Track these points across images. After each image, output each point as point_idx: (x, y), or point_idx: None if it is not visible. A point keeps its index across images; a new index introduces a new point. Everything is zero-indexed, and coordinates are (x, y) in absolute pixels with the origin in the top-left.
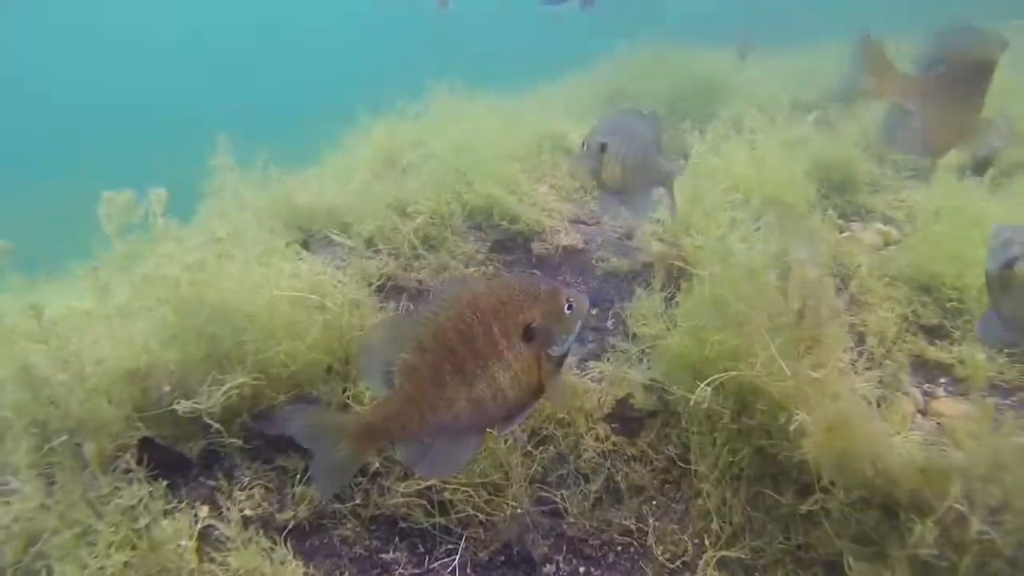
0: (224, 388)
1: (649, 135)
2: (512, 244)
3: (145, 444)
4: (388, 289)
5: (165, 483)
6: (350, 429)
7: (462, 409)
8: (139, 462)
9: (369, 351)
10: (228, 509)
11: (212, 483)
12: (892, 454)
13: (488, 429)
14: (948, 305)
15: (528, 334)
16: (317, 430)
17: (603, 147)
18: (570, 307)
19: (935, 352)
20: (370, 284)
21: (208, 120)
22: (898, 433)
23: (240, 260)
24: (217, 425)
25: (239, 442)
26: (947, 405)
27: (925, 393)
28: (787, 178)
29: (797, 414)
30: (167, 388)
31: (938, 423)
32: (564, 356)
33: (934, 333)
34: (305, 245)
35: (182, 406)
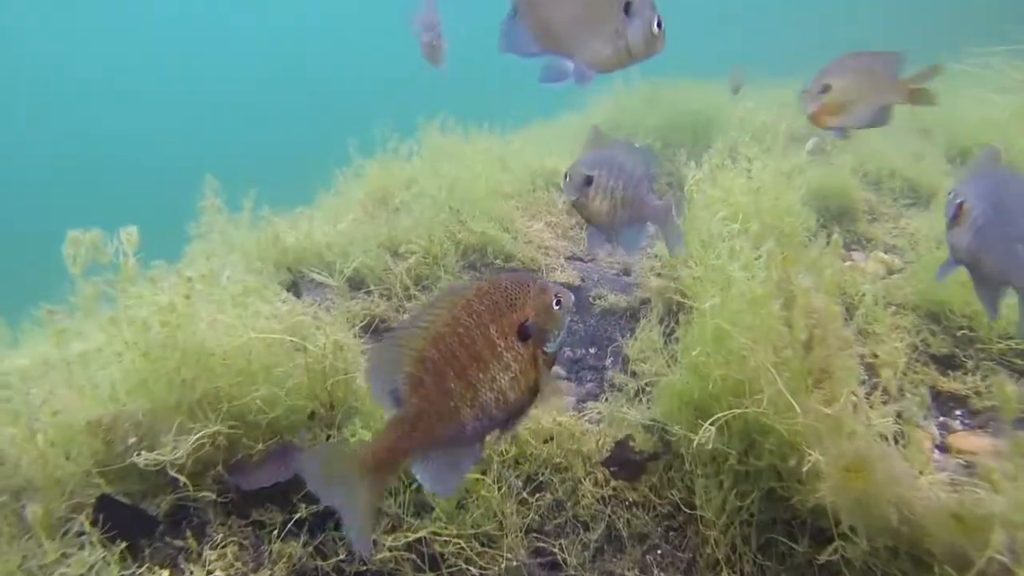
0: (195, 437)
1: (640, 169)
2: None
3: (104, 502)
4: (380, 330)
5: (123, 545)
6: (369, 463)
7: (468, 416)
8: (95, 523)
9: (375, 374)
10: (191, 574)
11: (180, 543)
12: (919, 498)
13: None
14: (959, 333)
15: (523, 333)
16: (331, 472)
17: (588, 180)
18: (558, 303)
19: (948, 383)
20: (353, 325)
21: (201, 161)
22: (922, 473)
23: (215, 301)
24: (183, 479)
25: (212, 495)
26: (965, 439)
27: (941, 426)
28: (785, 207)
29: (809, 454)
30: (133, 439)
31: (966, 462)
32: (555, 355)
33: (946, 363)
34: (294, 286)
35: (143, 458)
